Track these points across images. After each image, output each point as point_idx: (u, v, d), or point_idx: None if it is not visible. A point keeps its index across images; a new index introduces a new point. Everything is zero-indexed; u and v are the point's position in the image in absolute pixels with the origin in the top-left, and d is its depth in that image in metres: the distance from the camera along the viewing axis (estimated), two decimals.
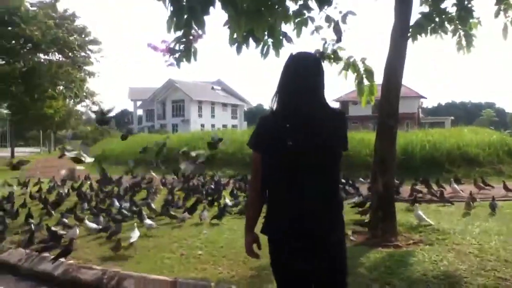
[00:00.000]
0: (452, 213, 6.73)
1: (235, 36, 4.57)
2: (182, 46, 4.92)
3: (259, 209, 2.32)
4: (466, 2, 5.69)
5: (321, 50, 6.41)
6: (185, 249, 5.07)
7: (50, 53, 31.60)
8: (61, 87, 33.02)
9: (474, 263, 4.23)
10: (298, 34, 5.23)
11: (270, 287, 3.78)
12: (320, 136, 2.08)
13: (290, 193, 2.09)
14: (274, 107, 2.22)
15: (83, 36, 32.85)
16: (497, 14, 5.60)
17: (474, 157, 11.74)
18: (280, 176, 2.12)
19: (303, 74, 2.17)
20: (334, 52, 6.34)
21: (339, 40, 5.71)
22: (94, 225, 5.90)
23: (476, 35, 6.16)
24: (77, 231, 5.65)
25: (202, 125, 48.10)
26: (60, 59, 32.37)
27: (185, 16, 4.37)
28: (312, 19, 5.32)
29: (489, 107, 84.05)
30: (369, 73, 6.36)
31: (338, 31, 5.57)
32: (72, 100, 35.07)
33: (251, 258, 4.35)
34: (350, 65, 6.46)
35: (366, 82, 6.45)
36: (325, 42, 6.33)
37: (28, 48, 29.44)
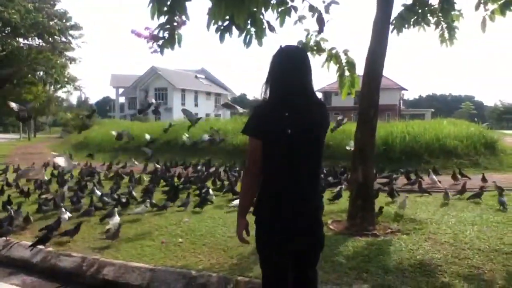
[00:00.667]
0: (429, 203, 6.86)
1: (218, 23, 4.55)
2: (166, 33, 4.88)
3: (254, 195, 2.38)
4: None
5: (304, 41, 6.43)
6: (166, 237, 5.07)
7: (30, 38, 30.93)
8: (41, 73, 32.41)
9: (449, 252, 4.34)
10: (281, 24, 5.22)
11: (251, 275, 3.82)
12: (312, 125, 2.28)
13: (289, 178, 2.25)
14: (267, 97, 2.35)
15: (64, 21, 32.22)
16: (477, 7, 5.68)
17: (452, 149, 11.92)
18: (279, 163, 2.26)
19: (296, 66, 2.32)
20: (317, 43, 6.36)
21: (321, 30, 5.72)
22: (66, 215, 5.77)
23: (458, 28, 6.24)
24: (67, 215, 5.68)
25: None
26: (40, 44, 31.72)
27: (168, 2, 4.34)
28: (296, 9, 5.32)
29: (468, 100, 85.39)
30: (351, 65, 6.41)
31: (320, 21, 5.58)
32: (53, 86, 34.48)
33: (231, 246, 4.39)
34: (333, 57, 6.50)
35: (347, 74, 6.50)
36: (308, 33, 6.34)
37: (6, 32, 28.75)
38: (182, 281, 3.84)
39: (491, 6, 5.63)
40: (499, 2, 5.51)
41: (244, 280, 3.73)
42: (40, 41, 31.47)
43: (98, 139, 19.08)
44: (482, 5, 5.62)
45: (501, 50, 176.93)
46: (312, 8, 5.68)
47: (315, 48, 6.42)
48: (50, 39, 31.25)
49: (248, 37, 4.96)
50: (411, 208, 6.34)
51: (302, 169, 2.26)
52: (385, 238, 4.85)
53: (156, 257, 4.38)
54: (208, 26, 4.59)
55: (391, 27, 5.67)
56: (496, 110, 72.08)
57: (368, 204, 5.35)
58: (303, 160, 2.26)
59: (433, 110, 51.54)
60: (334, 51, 6.48)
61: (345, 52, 6.47)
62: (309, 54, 6.21)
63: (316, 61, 6.49)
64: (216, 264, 4.15)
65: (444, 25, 6.21)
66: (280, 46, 2.41)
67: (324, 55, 6.51)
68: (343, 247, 4.53)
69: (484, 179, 8.47)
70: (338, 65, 6.50)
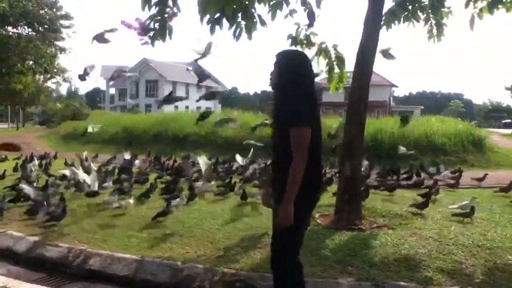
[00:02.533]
0: (417, 198, 6.92)
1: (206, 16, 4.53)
2: (157, 25, 4.85)
3: None
4: None
5: (293, 34, 6.43)
6: (153, 228, 5.07)
7: (19, 27, 30.54)
8: (31, 62, 32.06)
9: (434, 247, 4.40)
10: (273, 17, 5.22)
11: (237, 267, 3.85)
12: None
13: (320, 159, 2.83)
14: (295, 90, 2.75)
15: (54, 10, 31.84)
16: (467, 5, 5.72)
17: (441, 146, 12.05)
18: (316, 147, 2.74)
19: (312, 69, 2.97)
20: (307, 37, 6.36)
21: (311, 24, 5.73)
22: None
23: (447, 24, 6.29)
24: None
25: (176, 106, 47.55)
26: (30, 33, 31.34)
27: None
28: (287, 2, 5.32)
29: (457, 98, 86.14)
30: (340, 60, 6.44)
31: (311, 15, 5.59)
32: (42, 76, 34.14)
33: (218, 238, 4.43)
34: (322, 51, 6.51)
35: (337, 69, 6.52)
36: (298, 27, 6.34)
37: None
38: (168, 272, 3.85)
39: (480, 4, 5.67)
40: (488, 0, 5.56)
41: (230, 272, 3.75)
42: (30, 30, 31.10)
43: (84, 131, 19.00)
44: (472, 3, 5.66)
45: (490, 49, 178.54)
46: (304, 2, 5.69)
47: (304, 42, 6.43)
48: (40, 28, 30.88)
49: (238, 30, 4.96)
50: (398, 204, 6.41)
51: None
52: (371, 233, 4.90)
53: (143, 248, 4.38)
54: (201, 20, 4.58)
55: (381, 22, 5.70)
56: (484, 108, 72.75)
57: (355, 199, 5.39)
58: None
59: (422, 107, 51.92)
60: (323, 46, 6.50)
61: (335, 47, 6.49)
62: (298, 47, 6.26)
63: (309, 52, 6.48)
64: (203, 256, 4.16)
65: (433, 22, 6.25)
66: (300, 52, 3.23)
67: (314, 49, 6.52)
68: (329, 240, 4.57)
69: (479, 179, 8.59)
70: (327, 60, 6.51)
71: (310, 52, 6.45)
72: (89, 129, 9.68)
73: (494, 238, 4.68)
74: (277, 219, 2.64)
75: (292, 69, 2.80)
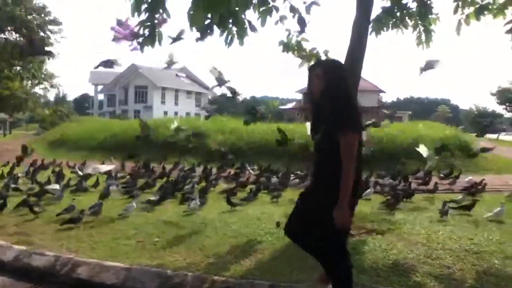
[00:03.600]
0: (406, 204, 6.99)
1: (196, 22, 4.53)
2: (146, 31, 4.85)
3: None
4: None
5: (285, 41, 6.48)
6: (142, 236, 5.03)
7: (7, 32, 30.24)
8: (18, 68, 31.72)
9: (422, 252, 4.43)
10: (263, 24, 5.26)
11: (227, 274, 3.83)
12: None
13: (358, 166, 2.89)
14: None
15: (42, 15, 31.58)
16: (455, 11, 5.80)
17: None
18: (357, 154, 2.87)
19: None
20: (298, 43, 6.41)
21: (302, 31, 5.77)
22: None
23: (435, 31, 6.38)
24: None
25: (165, 112, 47.46)
26: (17, 38, 31.02)
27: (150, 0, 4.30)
28: (277, 9, 5.36)
29: (444, 103, 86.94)
30: None
31: (301, 22, 5.63)
32: (30, 82, 33.79)
33: (207, 245, 4.40)
34: (313, 57, 6.57)
35: None
36: (289, 33, 6.40)
37: None
38: (157, 281, 3.81)
39: (467, 10, 5.77)
40: (475, 7, 5.65)
41: (220, 279, 3.73)
42: (17, 35, 30.78)
43: (76, 136, 18.82)
44: (460, 9, 5.76)
45: (476, 55, 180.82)
46: (293, 9, 5.74)
47: (296, 48, 6.49)
48: (28, 33, 30.59)
49: (230, 36, 4.98)
50: (387, 209, 6.45)
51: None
52: (360, 238, 4.92)
53: (132, 256, 4.34)
54: (191, 27, 4.58)
55: (369, 29, 5.75)
56: (471, 113, 73.57)
57: None
58: None
59: (410, 112, 52.33)
60: (315, 51, 6.56)
61: (325, 53, 6.57)
62: (290, 53, 6.31)
63: (297, 61, 6.56)
64: (192, 264, 4.14)
65: (421, 28, 6.33)
66: (339, 61, 3.34)
67: (305, 55, 6.58)
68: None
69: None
70: None
71: (301, 57, 6.54)
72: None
73: (480, 242, 4.73)
74: (335, 221, 2.76)
75: (341, 80, 3.01)
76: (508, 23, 5.40)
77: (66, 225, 5.32)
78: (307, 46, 6.53)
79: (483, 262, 4.15)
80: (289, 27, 6.40)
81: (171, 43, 6.10)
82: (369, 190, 7.63)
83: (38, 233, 5.13)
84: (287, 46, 6.51)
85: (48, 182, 7.98)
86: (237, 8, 4.80)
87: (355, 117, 2.91)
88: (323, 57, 6.56)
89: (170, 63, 6.58)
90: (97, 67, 6.13)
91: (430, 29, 6.34)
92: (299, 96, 44.20)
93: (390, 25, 6.21)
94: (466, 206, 6.34)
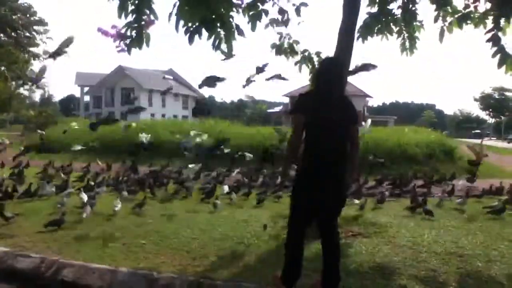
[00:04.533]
0: (391, 207, 7.05)
1: (188, 24, 4.56)
2: (133, 32, 4.84)
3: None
4: (410, 6, 5.97)
5: (277, 43, 6.55)
6: (128, 238, 5.00)
7: None
8: (3, 68, 31.32)
9: (408, 255, 4.48)
10: (253, 28, 5.30)
11: (214, 276, 3.83)
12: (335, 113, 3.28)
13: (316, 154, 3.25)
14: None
15: (27, 15, 31.27)
16: (436, 20, 5.92)
17: (413, 156, 12.29)
18: (315, 134, 3.24)
19: (334, 74, 3.38)
20: (290, 45, 6.48)
21: (286, 24, 5.78)
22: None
23: (419, 38, 6.48)
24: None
25: (152, 115, 47.15)
26: (2, 38, 30.66)
27: (136, 1, 4.31)
28: (266, 12, 5.41)
29: (429, 108, 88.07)
30: None
31: (282, 12, 5.63)
32: (14, 82, 33.35)
33: (194, 248, 4.39)
34: (306, 59, 6.65)
35: None
36: (281, 36, 6.46)
37: None
38: (143, 283, 3.79)
39: (449, 19, 5.88)
40: (456, 15, 5.77)
41: (207, 283, 3.72)
42: (2, 35, 30.42)
43: (61, 138, 18.55)
44: (440, 18, 5.87)
45: (461, 61, 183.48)
46: (282, 11, 5.79)
47: (288, 50, 6.56)
48: (13, 33, 30.25)
49: (218, 40, 4.99)
50: (373, 212, 6.51)
51: (326, 141, 3.26)
52: (347, 241, 4.94)
53: (118, 259, 4.31)
54: (176, 27, 4.59)
55: (356, 35, 5.82)
56: (455, 118, 74.62)
57: None
58: (328, 134, 3.28)
59: (396, 117, 52.84)
60: (306, 53, 6.64)
61: (317, 54, 6.68)
62: (282, 56, 6.39)
63: (289, 63, 6.65)
64: (179, 266, 4.13)
65: (406, 35, 6.42)
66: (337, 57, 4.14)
67: (297, 57, 6.66)
68: (305, 249, 4.59)
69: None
70: (310, 67, 6.66)
71: (293, 60, 6.63)
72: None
73: (465, 246, 4.80)
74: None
75: (342, 74, 3.51)
76: (488, 32, 5.52)
77: (51, 227, 5.26)
78: (299, 48, 6.61)
79: (467, 265, 4.21)
80: (281, 30, 6.47)
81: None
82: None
83: (23, 235, 5.06)
84: (279, 49, 6.58)
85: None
86: (223, 11, 4.84)
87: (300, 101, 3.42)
88: (315, 59, 6.68)
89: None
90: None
91: (415, 36, 6.45)
92: (286, 100, 44.27)
93: (376, 31, 6.30)
94: (498, 209, 6.43)
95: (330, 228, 3.42)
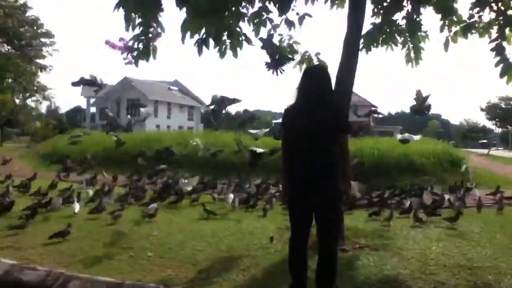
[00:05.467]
0: (399, 218, 6.99)
1: (196, 37, 4.61)
2: (140, 45, 4.88)
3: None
4: (415, 16, 5.98)
5: (277, 44, 6.59)
6: (134, 250, 4.98)
7: None
8: (10, 80, 31.61)
9: (416, 267, 4.42)
10: (257, 34, 5.36)
11: None
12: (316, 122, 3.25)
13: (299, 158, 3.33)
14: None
15: (35, 28, 31.62)
16: (442, 29, 5.92)
17: (420, 166, 12.21)
18: (296, 144, 3.34)
19: (312, 83, 3.38)
20: (290, 46, 6.52)
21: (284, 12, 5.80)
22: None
23: (424, 48, 6.47)
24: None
25: (157, 126, 47.32)
26: (9, 50, 30.99)
27: (142, 14, 4.36)
28: (271, 20, 5.46)
29: (435, 118, 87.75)
30: None
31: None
32: (21, 95, 33.66)
33: (200, 260, 4.39)
34: (305, 60, 6.69)
35: None
36: (281, 38, 6.53)
37: None
38: None
39: (454, 28, 5.89)
40: (461, 25, 5.78)
41: None
42: (9, 47, 30.75)
43: (67, 150, 18.63)
44: (446, 27, 5.88)
45: (467, 71, 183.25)
46: (288, 22, 5.84)
47: (288, 51, 6.61)
48: (20, 45, 30.60)
49: (223, 48, 5.03)
50: (381, 223, 6.46)
51: (308, 153, 3.29)
52: (354, 253, 4.90)
53: (124, 271, 4.29)
54: (183, 39, 4.63)
55: (360, 45, 5.83)
56: (461, 128, 74.28)
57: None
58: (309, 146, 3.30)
59: (401, 127, 52.67)
60: (307, 54, 6.72)
61: (317, 55, 6.73)
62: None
63: (289, 64, 6.69)
64: (184, 278, 4.10)
65: (411, 45, 6.43)
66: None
67: (297, 58, 6.73)
68: (312, 261, 4.53)
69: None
70: None
71: (293, 61, 6.67)
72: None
73: (474, 258, 4.74)
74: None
75: (326, 82, 3.43)
76: (492, 41, 5.52)
77: (56, 239, 5.26)
78: (299, 48, 6.69)
79: (477, 277, 4.15)
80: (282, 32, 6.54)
81: None
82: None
83: (29, 247, 5.06)
84: (279, 50, 6.63)
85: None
86: (231, 22, 4.88)
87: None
88: (315, 60, 6.76)
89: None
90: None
91: (419, 47, 6.44)
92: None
93: (380, 42, 6.31)
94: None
95: (324, 233, 3.48)
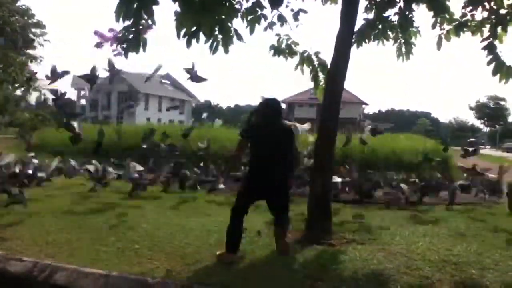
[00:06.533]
0: (385, 214, 7.05)
1: (183, 30, 4.57)
2: (130, 36, 4.83)
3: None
4: (407, 12, 6.01)
5: (275, 44, 6.58)
6: (122, 242, 4.97)
7: None
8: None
9: (402, 262, 4.46)
10: (251, 32, 5.33)
11: (208, 282, 3.82)
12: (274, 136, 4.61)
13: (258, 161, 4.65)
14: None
15: (25, 18, 31.20)
16: (433, 26, 5.96)
17: (408, 163, 12.30)
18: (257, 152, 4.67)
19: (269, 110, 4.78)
20: (289, 46, 6.52)
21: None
22: None
23: (415, 44, 6.52)
24: None
25: (148, 119, 47.10)
26: None
27: (135, 5, 4.31)
28: (265, 17, 5.44)
29: (425, 116, 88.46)
30: (323, 66, 6.72)
31: None
32: (11, 86, 33.22)
33: (188, 253, 4.38)
34: (305, 60, 6.69)
35: (321, 74, 6.78)
36: (279, 37, 6.51)
37: None
38: None
39: (446, 26, 5.92)
40: (454, 24, 5.81)
41: (201, 287, 3.71)
42: None
43: (56, 141, 18.47)
44: (438, 25, 5.91)
45: (456, 69, 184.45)
46: (281, 18, 5.82)
47: (286, 51, 6.61)
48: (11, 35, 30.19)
49: (215, 43, 5.00)
50: (368, 218, 6.51)
51: (265, 157, 4.57)
52: (341, 248, 4.94)
53: (111, 263, 4.28)
54: (178, 33, 4.60)
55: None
56: (451, 126, 74.95)
57: (326, 214, 5.44)
58: (267, 152, 4.58)
59: (393, 124, 53.03)
60: (306, 54, 6.70)
61: (317, 54, 6.77)
62: (281, 57, 6.47)
63: (289, 64, 6.72)
64: (173, 271, 4.10)
65: (402, 41, 6.47)
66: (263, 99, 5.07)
67: (296, 58, 6.73)
68: (299, 255, 4.59)
69: None
70: (311, 67, 6.73)
71: (293, 61, 6.79)
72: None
73: (459, 253, 4.80)
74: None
75: (278, 111, 4.83)
76: (484, 39, 5.57)
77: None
78: (298, 49, 6.69)
79: (461, 272, 4.20)
80: (279, 32, 6.53)
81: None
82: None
83: (16, 238, 5.03)
84: (277, 50, 6.63)
85: None
86: (223, 17, 4.85)
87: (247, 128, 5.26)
88: (315, 59, 6.80)
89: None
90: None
91: (411, 42, 6.49)
92: (283, 106, 44.39)
93: (372, 37, 6.34)
94: None
95: (278, 206, 4.73)
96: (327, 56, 5.61)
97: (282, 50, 6.61)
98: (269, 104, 4.84)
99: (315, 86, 6.96)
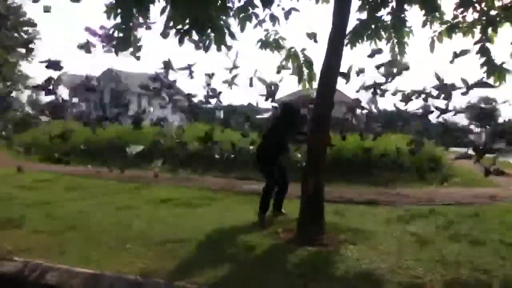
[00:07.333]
0: (377, 214, 7.07)
1: (178, 26, 4.56)
2: (121, 34, 4.80)
3: None
4: (400, 12, 6.03)
5: (263, 39, 6.63)
6: (114, 241, 4.94)
7: None
8: None
9: (393, 262, 4.47)
10: (242, 29, 5.34)
11: (199, 281, 3.81)
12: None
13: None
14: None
15: (16, 16, 30.94)
16: (424, 24, 6.00)
17: (400, 163, 12.33)
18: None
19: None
20: (276, 41, 6.57)
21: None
22: None
23: (408, 43, 6.54)
24: None
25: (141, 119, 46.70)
26: None
27: (128, 3, 4.29)
28: (256, 15, 5.44)
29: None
30: (309, 63, 6.87)
31: None
32: (1, 84, 32.98)
33: (180, 252, 4.36)
34: (291, 55, 6.75)
35: (306, 70, 6.96)
36: (268, 33, 6.56)
37: None
38: (127, 287, 3.75)
39: (438, 28, 5.96)
40: (446, 25, 5.85)
41: (192, 287, 3.70)
42: None
43: (47, 141, 18.29)
44: (429, 24, 5.96)
45: (448, 69, 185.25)
46: (273, 18, 5.83)
47: (273, 45, 6.67)
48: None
49: (208, 41, 4.99)
50: (359, 219, 6.52)
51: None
52: (333, 248, 4.94)
53: (103, 262, 4.26)
54: (164, 32, 4.59)
55: (345, 41, 5.85)
56: (442, 127, 75.24)
57: (318, 215, 5.44)
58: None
59: (383, 123, 53.18)
60: (292, 50, 6.83)
61: (303, 51, 6.84)
62: (268, 51, 6.69)
63: (276, 58, 6.80)
64: (163, 269, 4.09)
65: (395, 41, 6.48)
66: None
67: (283, 53, 6.87)
68: (292, 255, 4.59)
69: None
70: (296, 63, 6.91)
71: (279, 56, 6.91)
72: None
73: (450, 254, 4.81)
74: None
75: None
76: (476, 42, 5.61)
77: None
78: (285, 44, 6.82)
79: (452, 272, 4.23)
80: (267, 27, 6.59)
81: None
82: None
83: (7, 238, 4.99)
84: (265, 44, 6.68)
85: None
86: (215, 14, 4.84)
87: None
88: (301, 56, 6.90)
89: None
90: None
91: (404, 42, 6.50)
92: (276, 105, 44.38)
93: (365, 37, 6.35)
94: None
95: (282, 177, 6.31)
96: (320, 55, 5.60)
97: (270, 43, 6.69)
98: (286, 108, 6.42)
99: (298, 80, 7.09)
